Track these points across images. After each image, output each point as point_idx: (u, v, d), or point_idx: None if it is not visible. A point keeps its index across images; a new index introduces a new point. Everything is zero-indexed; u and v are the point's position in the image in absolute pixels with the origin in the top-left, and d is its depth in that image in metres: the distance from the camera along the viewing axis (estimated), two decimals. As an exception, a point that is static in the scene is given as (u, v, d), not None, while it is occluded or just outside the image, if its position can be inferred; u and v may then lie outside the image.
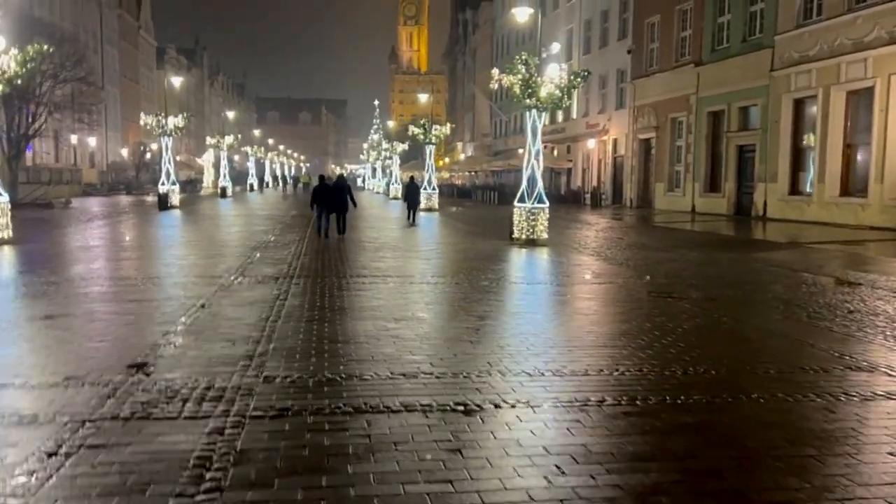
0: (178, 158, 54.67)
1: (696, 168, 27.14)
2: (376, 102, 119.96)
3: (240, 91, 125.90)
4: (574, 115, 39.57)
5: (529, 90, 14.85)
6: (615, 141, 34.39)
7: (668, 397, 4.65)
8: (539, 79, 14.74)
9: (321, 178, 18.88)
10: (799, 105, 21.85)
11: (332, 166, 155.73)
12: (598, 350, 5.99)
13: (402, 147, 47.32)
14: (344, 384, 4.82)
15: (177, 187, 29.44)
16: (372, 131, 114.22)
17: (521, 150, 44.09)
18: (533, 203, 15.40)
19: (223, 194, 43.16)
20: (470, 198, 45.97)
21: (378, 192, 59.66)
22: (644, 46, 30.81)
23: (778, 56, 22.21)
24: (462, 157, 60.84)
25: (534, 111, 15.31)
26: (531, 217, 15.34)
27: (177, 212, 26.86)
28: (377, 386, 4.79)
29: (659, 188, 30.04)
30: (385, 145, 49.02)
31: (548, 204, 15.64)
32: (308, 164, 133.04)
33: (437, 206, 30.80)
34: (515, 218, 15.64)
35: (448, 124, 31.58)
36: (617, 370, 5.30)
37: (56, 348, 5.89)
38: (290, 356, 5.52)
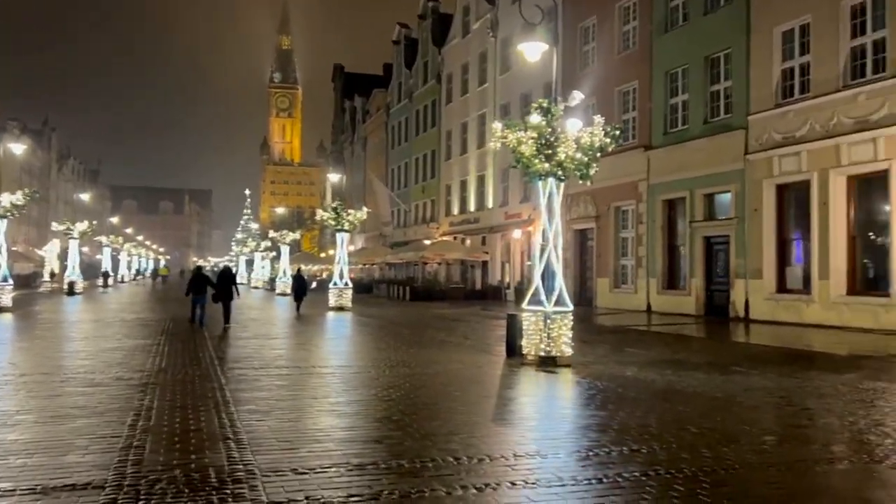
0: (14, 248, 45.86)
1: (650, 262, 24.16)
2: (248, 192, 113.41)
3: (93, 177, 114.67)
4: (490, 204, 36.42)
5: (548, 151, 10.79)
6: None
7: None
8: (563, 134, 10.74)
9: (198, 268, 19.84)
10: (783, 191, 19.46)
11: (195, 259, 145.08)
12: None
13: (293, 236, 42.09)
14: None
15: (9, 284, 22.47)
16: (243, 221, 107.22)
17: (426, 241, 40.26)
18: (553, 306, 11.02)
19: (71, 291, 35.45)
20: (370, 293, 41.05)
21: (257, 287, 53.09)
22: (577, 130, 28.29)
23: (754, 137, 19.92)
24: (352, 248, 55.97)
25: (551, 181, 11.21)
26: (550, 326, 10.91)
27: (8, 318, 19.97)
28: None
29: (602, 284, 26.81)
30: (273, 234, 43.44)
31: (572, 308, 11.32)
32: (168, 257, 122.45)
33: (349, 304, 25.72)
34: (526, 326, 11.16)
35: (364, 209, 27.11)
36: None
37: None
38: None
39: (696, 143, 22.03)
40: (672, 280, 23.65)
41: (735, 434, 6.55)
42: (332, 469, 5.16)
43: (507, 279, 34.61)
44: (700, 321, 20.46)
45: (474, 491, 4.75)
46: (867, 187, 17.26)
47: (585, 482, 4.97)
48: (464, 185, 39.72)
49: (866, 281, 17.31)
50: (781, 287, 19.40)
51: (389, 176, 52.45)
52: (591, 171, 11.07)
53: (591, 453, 5.74)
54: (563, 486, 4.89)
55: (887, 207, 16.46)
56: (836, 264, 17.53)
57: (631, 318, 21.15)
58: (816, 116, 18.02)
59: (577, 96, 11.22)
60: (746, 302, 20.09)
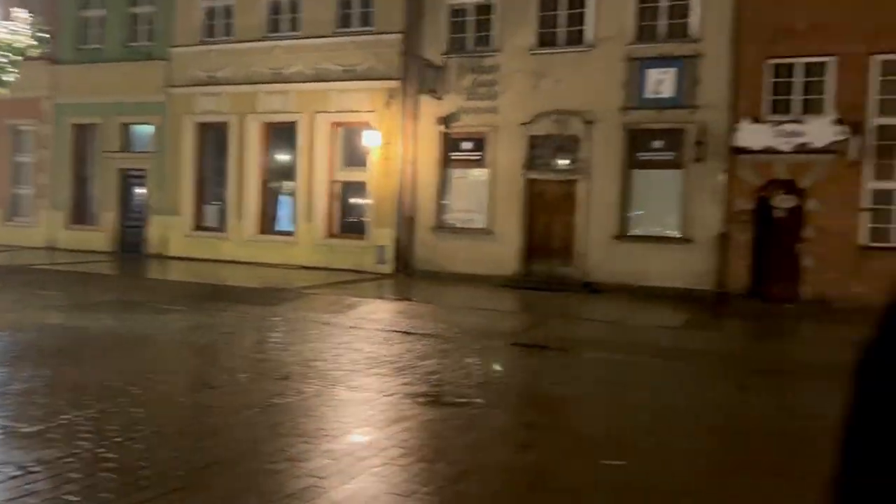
0: None
1: (55, 193, 21.38)
2: None
3: None
4: None
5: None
6: None
7: None
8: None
9: None
10: (204, 130, 19.68)
11: None
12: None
13: None
14: None
15: None
16: None
17: None
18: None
19: None
20: None
21: None
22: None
23: (178, 71, 19.47)
24: None
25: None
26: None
27: None
28: None
29: (-7, 217, 22.50)
30: None
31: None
32: None
33: None
34: None
35: None
36: None
37: None
38: None
39: (114, 66, 20.24)
40: (81, 214, 21.51)
41: (211, 376, 6.38)
42: None
43: None
44: (116, 258, 19.33)
45: None
46: (279, 136, 18.93)
47: (62, 462, 4.04)
48: None
49: (275, 221, 19.14)
50: (200, 224, 19.79)
51: None
52: (10, 78, 8.96)
53: (52, 424, 4.71)
54: (28, 473, 3.86)
55: (293, 157, 18.45)
56: (250, 205, 18.83)
57: (33, 257, 18.46)
58: (238, 61, 18.72)
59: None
60: (165, 238, 19.83)
